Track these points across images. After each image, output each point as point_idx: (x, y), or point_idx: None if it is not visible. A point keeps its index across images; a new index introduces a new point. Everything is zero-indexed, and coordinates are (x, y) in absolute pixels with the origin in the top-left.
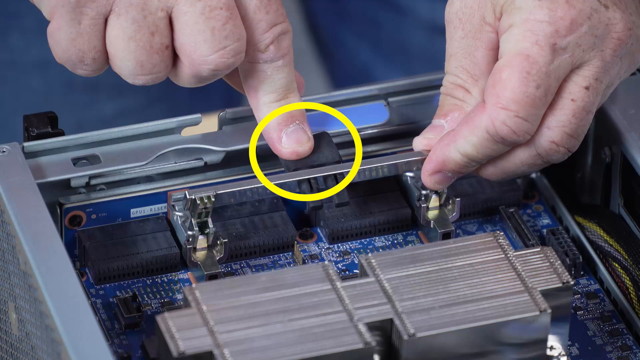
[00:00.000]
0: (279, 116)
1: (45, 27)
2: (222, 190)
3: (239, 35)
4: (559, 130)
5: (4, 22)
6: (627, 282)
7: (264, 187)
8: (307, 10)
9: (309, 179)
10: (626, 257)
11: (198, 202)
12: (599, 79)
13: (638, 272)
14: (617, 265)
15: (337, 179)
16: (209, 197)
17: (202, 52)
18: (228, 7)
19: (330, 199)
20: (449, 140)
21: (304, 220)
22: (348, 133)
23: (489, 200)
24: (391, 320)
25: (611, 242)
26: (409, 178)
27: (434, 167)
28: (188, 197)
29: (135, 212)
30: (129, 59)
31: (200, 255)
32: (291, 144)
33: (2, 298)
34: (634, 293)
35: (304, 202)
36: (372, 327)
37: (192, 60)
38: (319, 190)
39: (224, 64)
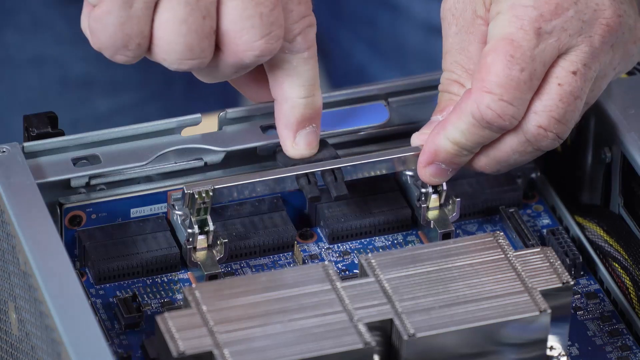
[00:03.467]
0: (300, 115)
1: (39, 24)
2: (219, 185)
3: (282, 21)
4: (545, 114)
5: None
6: (627, 282)
7: (261, 182)
8: None
9: (306, 174)
10: (626, 257)
11: (196, 196)
12: (588, 64)
13: (638, 272)
14: (617, 265)
15: (334, 173)
16: (207, 192)
17: (249, 38)
18: None
19: (329, 192)
20: (439, 129)
21: (304, 220)
22: (348, 133)
23: (489, 200)
24: (391, 321)
25: (611, 242)
26: (408, 177)
27: (426, 158)
28: (186, 191)
29: (135, 212)
30: (179, 43)
31: (200, 255)
32: (302, 146)
33: (2, 298)
34: (634, 293)
35: (304, 202)
36: (372, 327)
37: (237, 46)
38: (317, 184)
39: (268, 50)
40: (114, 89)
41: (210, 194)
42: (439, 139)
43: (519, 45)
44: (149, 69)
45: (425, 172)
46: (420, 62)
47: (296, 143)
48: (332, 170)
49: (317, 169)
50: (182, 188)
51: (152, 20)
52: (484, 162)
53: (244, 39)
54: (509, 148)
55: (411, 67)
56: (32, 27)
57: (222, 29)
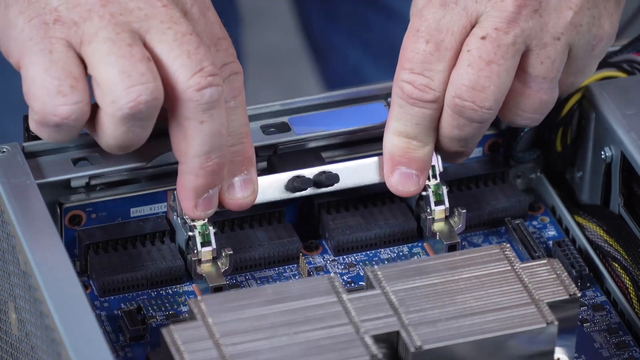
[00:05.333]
0: (230, 164)
1: None
2: None
3: (212, 60)
4: (457, 83)
5: None
6: (627, 282)
7: None
8: (300, 12)
9: (298, 176)
10: (626, 257)
11: None
12: (500, 28)
13: (638, 272)
14: (617, 265)
15: (324, 173)
16: None
17: (183, 77)
18: (197, 34)
19: (334, 194)
20: (385, 131)
21: (309, 232)
22: (348, 133)
23: (494, 211)
24: (397, 333)
25: (611, 242)
26: None
27: (386, 165)
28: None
29: (135, 212)
30: (113, 74)
31: (205, 267)
32: (236, 195)
33: (2, 298)
34: (633, 293)
35: (308, 214)
36: (378, 339)
37: (179, 86)
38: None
39: (208, 83)
40: None
41: None
42: (387, 138)
43: (424, 19)
44: None
45: (392, 182)
46: None
47: (230, 193)
48: (324, 171)
49: (308, 167)
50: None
51: (81, 67)
52: (442, 144)
53: (180, 79)
54: (446, 124)
55: None
56: None
57: (162, 75)
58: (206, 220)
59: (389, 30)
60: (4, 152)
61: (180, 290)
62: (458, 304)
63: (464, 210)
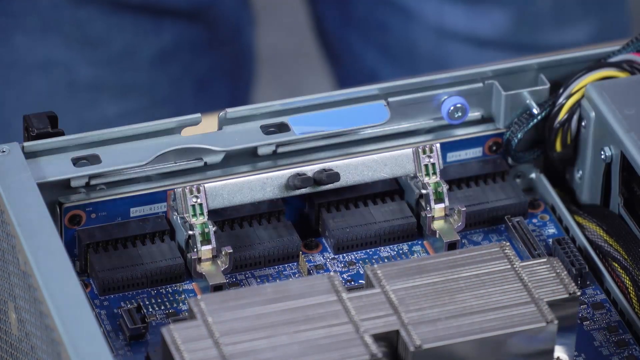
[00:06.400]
0: None
1: (48, 27)
2: (208, 182)
3: None
4: None
5: (7, 22)
6: (627, 282)
7: (251, 181)
8: (315, 14)
9: (298, 174)
10: (626, 257)
11: (187, 191)
12: None
13: (638, 272)
14: (616, 265)
15: (325, 171)
16: (197, 188)
17: None
18: None
19: (334, 192)
20: None
21: (308, 230)
22: (348, 133)
23: (494, 209)
24: (397, 332)
25: (611, 242)
26: (408, 177)
27: None
28: (176, 191)
29: (135, 212)
30: None
31: (205, 265)
32: None
33: (2, 298)
34: (633, 293)
35: (308, 212)
36: (378, 338)
37: None
38: (311, 180)
39: None
40: (122, 93)
41: (201, 189)
42: None
43: None
44: (157, 74)
45: None
46: (431, 66)
47: None
48: (324, 169)
49: (309, 165)
50: (173, 189)
51: None
52: None
53: None
54: None
55: (422, 71)
56: (41, 30)
57: None
58: (206, 218)
59: (407, 32)
60: (4, 152)
61: (180, 289)
62: (458, 302)
63: (464, 208)
